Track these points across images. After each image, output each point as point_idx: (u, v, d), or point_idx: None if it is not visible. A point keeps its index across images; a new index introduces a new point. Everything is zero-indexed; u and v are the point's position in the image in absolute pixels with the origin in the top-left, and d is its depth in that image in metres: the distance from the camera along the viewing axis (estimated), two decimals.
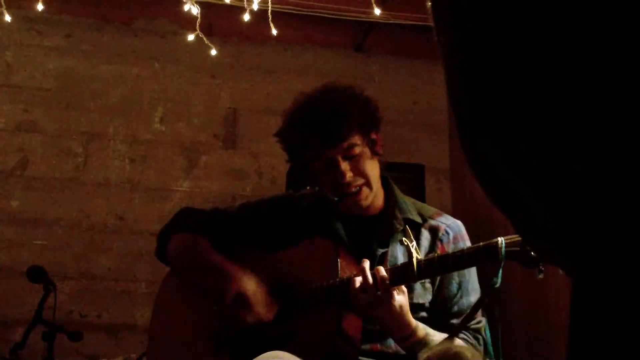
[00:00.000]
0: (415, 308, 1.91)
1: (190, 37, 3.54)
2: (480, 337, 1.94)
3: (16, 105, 3.91)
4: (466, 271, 1.98)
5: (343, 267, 1.92)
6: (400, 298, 1.82)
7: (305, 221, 2.07)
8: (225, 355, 2.02)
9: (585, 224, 0.54)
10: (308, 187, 2.16)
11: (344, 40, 4.36)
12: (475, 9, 0.57)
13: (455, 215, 2.18)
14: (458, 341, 1.86)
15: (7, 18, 3.39)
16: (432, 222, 2.05)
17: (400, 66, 4.41)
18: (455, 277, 1.99)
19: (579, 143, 0.52)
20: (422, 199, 3.75)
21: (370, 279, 1.80)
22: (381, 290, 1.80)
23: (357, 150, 1.96)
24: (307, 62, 4.30)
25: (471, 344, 1.91)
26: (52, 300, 2.93)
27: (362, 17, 4.02)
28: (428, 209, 2.12)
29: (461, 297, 1.99)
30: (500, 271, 1.69)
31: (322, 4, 4.01)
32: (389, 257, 1.97)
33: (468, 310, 1.92)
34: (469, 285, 2.01)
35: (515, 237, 1.66)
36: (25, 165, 3.85)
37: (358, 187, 1.97)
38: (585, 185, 0.52)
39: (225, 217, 2.17)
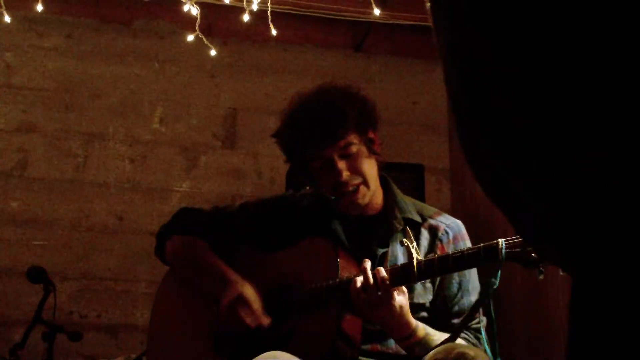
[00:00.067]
0: (415, 308, 1.91)
1: (190, 38, 3.53)
2: (480, 336, 1.94)
3: (16, 106, 3.90)
4: (466, 271, 1.98)
5: (343, 267, 1.91)
6: (401, 298, 1.82)
7: (305, 221, 2.06)
8: (225, 355, 2.02)
9: (585, 224, 0.54)
10: (308, 187, 2.16)
11: (344, 41, 4.35)
12: (474, 10, 0.57)
13: (455, 215, 2.18)
14: (459, 341, 1.86)
15: (7, 19, 3.38)
16: (432, 222, 2.05)
17: (400, 66, 4.40)
18: (456, 276, 1.99)
19: (579, 143, 0.52)
20: (422, 199, 3.75)
21: (372, 279, 1.80)
22: (382, 291, 1.79)
23: (354, 149, 1.96)
24: (307, 62, 4.29)
25: (472, 343, 1.91)
26: (52, 300, 2.94)
27: (362, 18, 4.02)
28: (428, 208, 2.12)
29: (462, 296, 1.99)
30: (499, 272, 1.69)
31: (321, 5, 4.00)
32: (389, 257, 1.97)
33: (469, 310, 1.92)
34: (470, 285, 2.00)
35: (516, 239, 1.65)
36: (25, 165, 3.85)
37: (355, 186, 1.97)
38: (586, 185, 0.52)
39: (225, 217, 2.16)
